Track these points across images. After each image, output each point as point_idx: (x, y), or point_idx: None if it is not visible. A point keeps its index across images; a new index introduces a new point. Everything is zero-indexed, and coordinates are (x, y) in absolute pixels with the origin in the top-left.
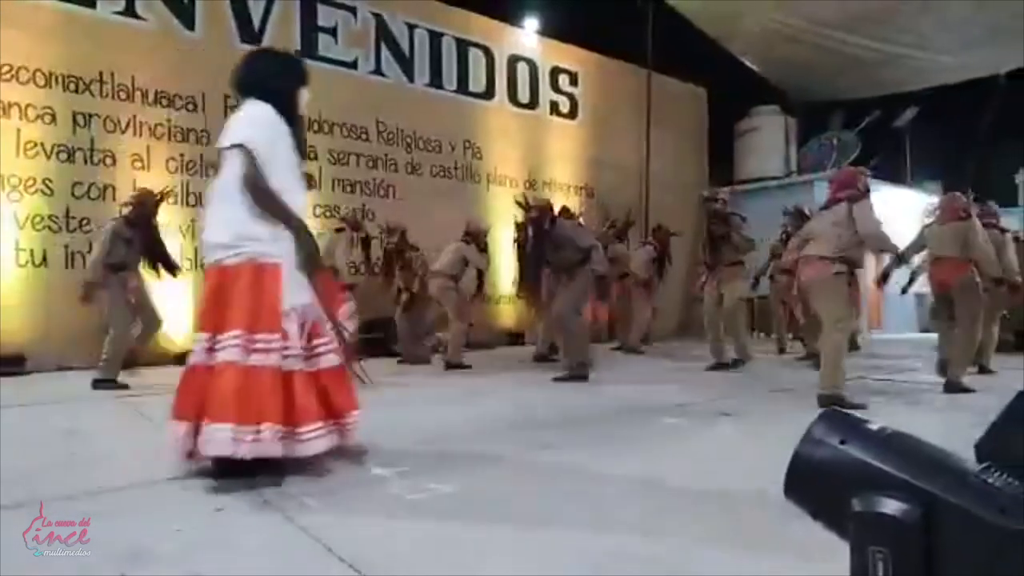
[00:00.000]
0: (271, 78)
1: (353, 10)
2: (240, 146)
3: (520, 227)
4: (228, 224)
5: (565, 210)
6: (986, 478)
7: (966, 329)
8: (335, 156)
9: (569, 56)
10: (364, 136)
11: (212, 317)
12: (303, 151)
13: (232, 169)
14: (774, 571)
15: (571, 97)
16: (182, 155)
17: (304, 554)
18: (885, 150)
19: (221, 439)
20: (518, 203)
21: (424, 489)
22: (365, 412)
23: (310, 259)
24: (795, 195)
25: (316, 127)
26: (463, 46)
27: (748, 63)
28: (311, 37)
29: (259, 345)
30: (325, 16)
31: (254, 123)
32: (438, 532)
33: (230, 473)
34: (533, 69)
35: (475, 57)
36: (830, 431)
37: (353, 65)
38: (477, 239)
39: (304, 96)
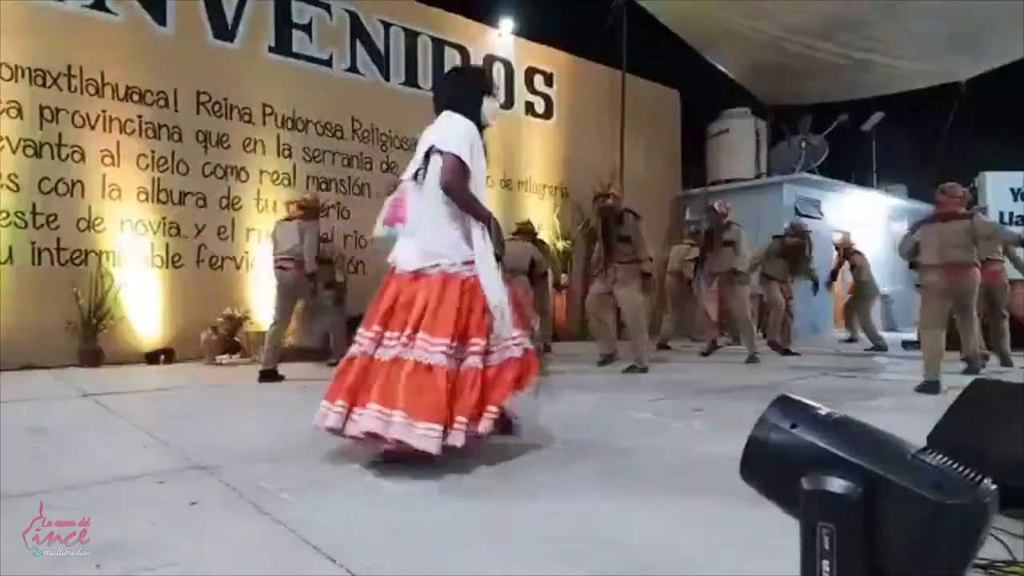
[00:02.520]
0: (459, 96)
1: (327, 7)
2: (451, 154)
3: None
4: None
5: None
6: (923, 458)
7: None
8: (309, 153)
9: (544, 57)
10: (339, 134)
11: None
12: (486, 154)
13: (437, 174)
14: (735, 559)
15: (546, 98)
16: (153, 151)
17: (279, 545)
18: (852, 153)
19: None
20: None
21: (399, 482)
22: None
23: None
24: (766, 196)
25: (290, 124)
26: (439, 45)
27: (720, 67)
28: (285, 34)
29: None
30: (299, 13)
31: (461, 135)
32: (413, 525)
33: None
34: (508, 69)
35: (451, 57)
36: (783, 416)
37: (328, 63)
38: None
39: (488, 106)
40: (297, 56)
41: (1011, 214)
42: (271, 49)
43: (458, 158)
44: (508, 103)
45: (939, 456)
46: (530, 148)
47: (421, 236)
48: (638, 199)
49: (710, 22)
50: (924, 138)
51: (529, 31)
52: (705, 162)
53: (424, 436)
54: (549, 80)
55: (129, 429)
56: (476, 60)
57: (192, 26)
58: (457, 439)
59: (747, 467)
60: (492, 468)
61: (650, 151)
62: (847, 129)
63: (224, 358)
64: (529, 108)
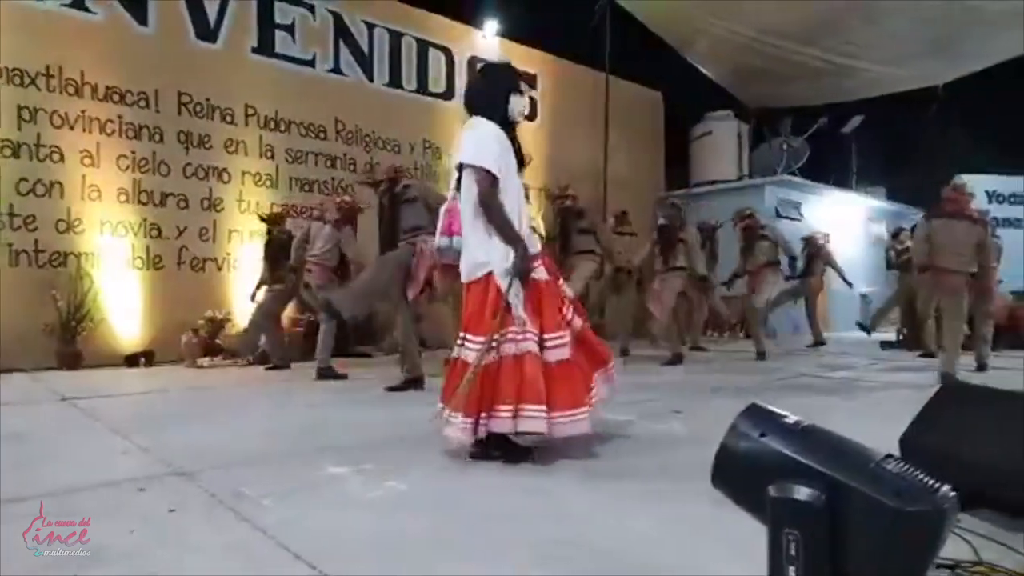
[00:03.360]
0: (485, 95)
1: (311, 8)
2: (481, 168)
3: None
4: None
5: None
6: (885, 465)
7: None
8: (292, 155)
9: (528, 58)
10: (323, 135)
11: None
12: (520, 158)
13: (470, 187)
14: (712, 562)
15: (530, 99)
16: (134, 152)
17: (260, 552)
18: (832, 156)
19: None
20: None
21: (381, 487)
22: (319, 409)
23: (524, 273)
24: (747, 198)
25: (273, 125)
26: (423, 46)
27: (702, 69)
28: (268, 34)
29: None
30: (282, 13)
31: (489, 142)
32: (395, 529)
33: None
34: None
35: (435, 57)
36: (752, 425)
37: (311, 63)
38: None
39: (516, 103)
40: (280, 57)
41: (988, 216)
42: (254, 50)
43: (488, 172)
44: None
45: (900, 463)
46: None
47: (470, 248)
48: (622, 200)
49: (692, 25)
50: (902, 141)
51: (513, 33)
52: (688, 163)
53: (457, 427)
54: (533, 82)
55: (108, 434)
56: (460, 62)
57: (173, 26)
58: (497, 426)
59: (718, 474)
60: (472, 471)
61: (634, 152)
62: (827, 132)
63: (205, 361)
64: None
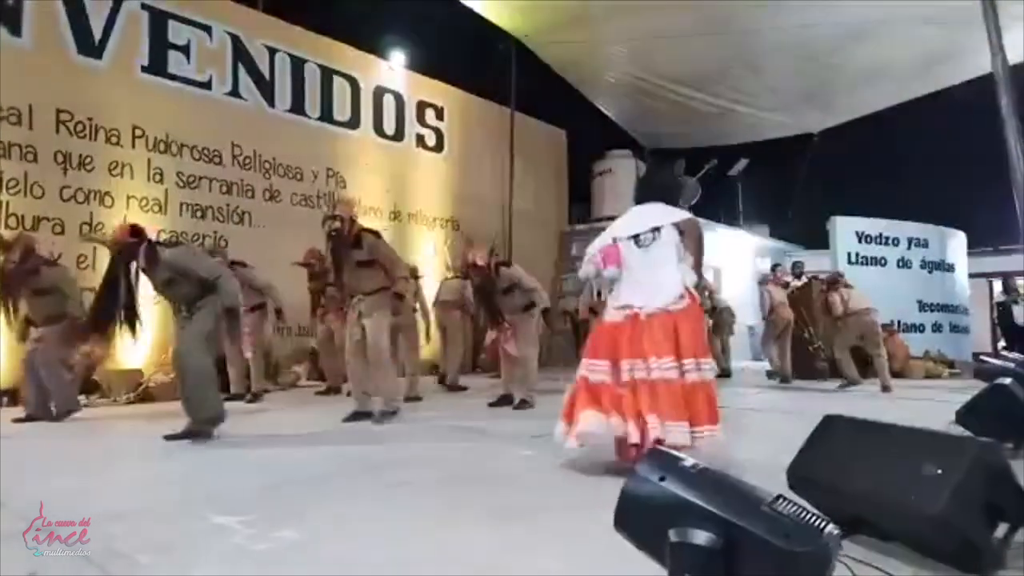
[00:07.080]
0: (669, 188)
1: (208, 29)
2: (689, 219)
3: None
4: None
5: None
6: (776, 507)
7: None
8: (184, 179)
9: (435, 91)
10: (218, 160)
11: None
12: None
13: (669, 242)
14: None
15: (437, 131)
16: (1, 172)
17: None
18: (720, 195)
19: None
20: None
21: (270, 538)
22: (200, 452)
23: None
24: None
25: (163, 148)
26: (327, 74)
27: (603, 109)
28: (160, 53)
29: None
30: (176, 33)
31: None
32: None
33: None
34: (399, 101)
35: (340, 86)
36: (652, 469)
37: (207, 85)
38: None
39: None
40: (173, 77)
41: (857, 255)
42: (144, 68)
43: (695, 220)
44: (399, 135)
45: (790, 504)
46: (420, 180)
47: (661, 284)
48: (527, 233)
49: (594, 68)
50: (783, 183)
51: (420, 65)
52: (591, 199)
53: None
54: (440, 114)
55: None
56: (366, 92)
57: (52, 39)
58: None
59: (620, 519)
60: (369, 520)
61: (539, 187)
62: (716, 173)
63: (80, 399)
64: (420, 140)
